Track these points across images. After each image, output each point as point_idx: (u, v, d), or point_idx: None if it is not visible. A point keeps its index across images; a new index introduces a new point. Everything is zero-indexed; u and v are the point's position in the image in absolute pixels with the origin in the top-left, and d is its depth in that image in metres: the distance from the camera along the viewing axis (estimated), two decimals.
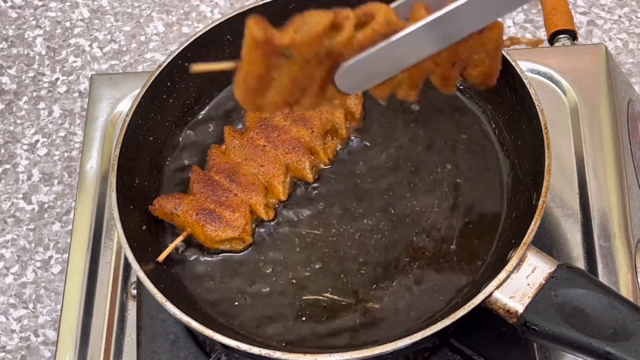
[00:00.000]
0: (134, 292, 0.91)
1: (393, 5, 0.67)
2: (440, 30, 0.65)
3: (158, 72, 0.88)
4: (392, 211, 0.86)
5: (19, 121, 1.47)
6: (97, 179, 0.99)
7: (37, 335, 1.28)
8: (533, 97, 0.81)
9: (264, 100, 0.66)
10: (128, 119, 0.86)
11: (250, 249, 0.85)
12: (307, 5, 0.91)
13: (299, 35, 0.63)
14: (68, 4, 1.59)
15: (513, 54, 0.84)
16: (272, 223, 0.86)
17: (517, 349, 0.81)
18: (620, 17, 1.47)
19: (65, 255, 1.32)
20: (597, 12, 1.48)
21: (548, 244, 0.88)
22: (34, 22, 1.58)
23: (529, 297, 0.72)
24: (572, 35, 1.04)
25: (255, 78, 0.64)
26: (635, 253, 0.87)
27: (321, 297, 0.82)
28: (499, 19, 0.69)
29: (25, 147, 1.44)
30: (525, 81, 0.82)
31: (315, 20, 0.64)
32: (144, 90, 0.87)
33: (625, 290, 0.85)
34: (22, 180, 1.41)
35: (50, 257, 1.34)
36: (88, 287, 0.92)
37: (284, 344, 0.79)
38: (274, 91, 0.66)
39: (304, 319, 0.81)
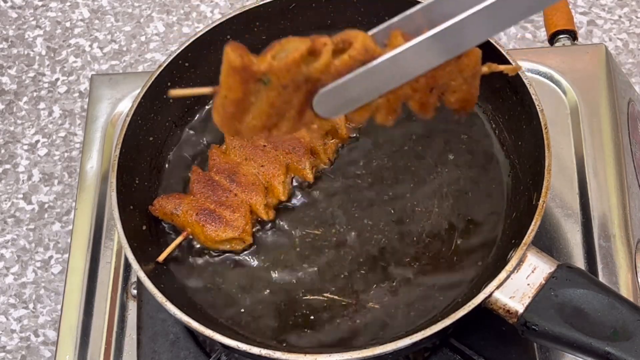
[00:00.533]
0: (134, 292, 0.91)
1: (371, 32, 0.68)
2: (417, 57, 0.66)
3: (158, 72, 0.88)
4: (392, 211, 0.86)
5: (19, 121, 1.46)
6: (97, 179, 0.99)
7: (37, 335, 1.28)
8: (533, 97, 0.81)
9: (242, 124, 0.67)
10: (128, 119, 0.86)
11: (250, 249, 0.85)
12: (307, 5, 0.91)
13: (276, 62, 0.64)
14: (68, 4, 1.59)
15: (513, 54, 0.85)
16: (272, 223, 0.86)
17: (517, 349, 0.81)
18: (620, 17, 1.47)
19: (65, 255, 1.32)
20: (597, 12, 1.48)
21: (548, 244, 0.88)
22: (34, 22, 1.58)
23: (529, 297, 0.72)
24: (572, 35, 1.04)
25: (233, 103, 0.65)
26: (635, 253, 0.87)
27: (321, 297, 0.82)
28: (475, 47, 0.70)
29: (25, 147, 1.44)
30: (525, 81, 0.82)
31: (293, 46, 0.65)
32: (144, 90, 0.87)
33: (625, 290, 0.85)
34: (22, 181, 1.41)
35: (51, 257, 1.34)
36: (88, 287, 0.92)
37: (284, 344, 0.79)
38: (252, 116, 0.67)
39: (304, 319, 0.81)
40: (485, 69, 0.73)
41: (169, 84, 0.90)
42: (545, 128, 0.79)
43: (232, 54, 0.62)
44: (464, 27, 0.65)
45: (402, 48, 0.66)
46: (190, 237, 0.85)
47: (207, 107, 0.94)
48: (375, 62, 0.66)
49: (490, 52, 0.85)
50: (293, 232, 0.86)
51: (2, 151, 1.44)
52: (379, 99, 0.70)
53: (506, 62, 0.84)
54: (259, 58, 0.64)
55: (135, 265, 0.78)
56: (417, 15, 0.67)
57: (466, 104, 0.75)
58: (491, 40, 0.84)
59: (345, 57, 0.66)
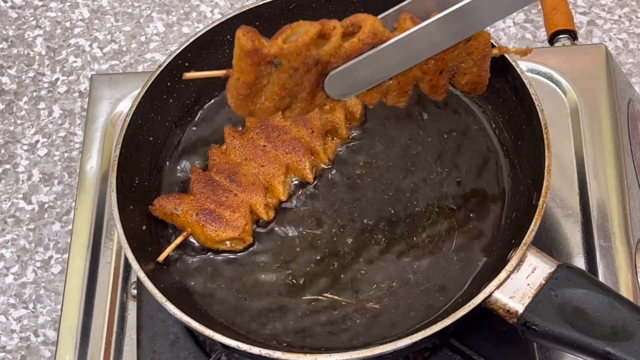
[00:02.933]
0: (134, 292, 0.91)
1: (380, 16, 0.68)
2: (426, 40, 0.67)
3: (158, 72, 0.88)
4: (392, 211, 0.86)
5: (19, 121, 1.47)
6: (97, 179, 0.99)
7: (37, 335, 1.28)
8: (533, 97, 0.81)
9: (255, 106, 0.69)
10: (128, 119, 0.86)
11: (250, 249, 0.85)
12: (307, 5, 0.91)
13: (287, 45, 0.65)
14: (68, 4, 1.59)
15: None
16: (272, 223, 0.86)
17: (517, 349, 0.81)
18: (620, 17, 1.47)
19: (65, 255, 1.32)
20: (597, 12, 1.48)
21: (548, 244, 0.88)
22: (34, 22, 1.58)
23: (529, 297, 0.72)
24: (572, 35, 1.04)
25: (246, 85, 0.66)
26: (635, 253, 0.87)
27: (321, 297, 0.82)
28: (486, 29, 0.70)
29: (25, 147, 1.44)
30: (525, 81, 0.82)
31: (303, 30, 0.66)
32: (144, 90, 0.87)
33: (625, 290, 0.85)
34: (22, 181, 1.41)
35: (50, 257, 1.34)
36: (88, 287, 0.92)
37: (284, 344, 0.79)
38: (265, 97, 0.68)
39: (304, 319, 0.81)
40: (495, 51, 0.73)
41: (169, 84, 0.90)
42: (545, 128, 0.79)
43: (243, 37, 0.63)
44: (472, 10, 0.65)
45: (411, 31, 0.67)
46: (190, 237, 0.85)
47: (207, 107, 0.94)
48: (384, 45, 0.67)
49: None
50: (293, 232, 0.86)
51: (2, 151, 1.44)
52: (389, 81, 0.70)
53: (507, 62, 0.84)
54: (270, 41, 0.65)
55: (135, 265, 0.78)
56: None
57: (477, 86, 0.76)
58: (491, 41, 0.84)
59: (355, 40, 0.67)
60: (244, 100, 0.68)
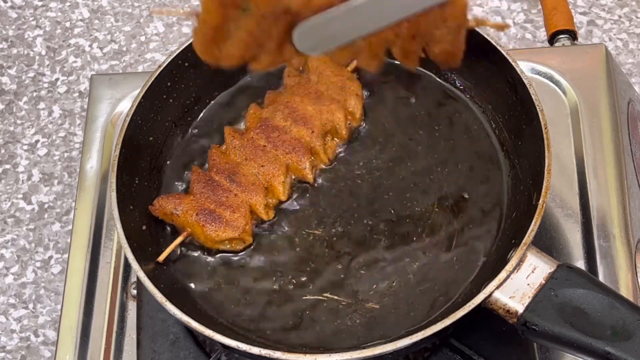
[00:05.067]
0: (134, 292, 0.91)
1: None
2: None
3: (158, 72, 0.88)
4: (392, 211, 0.86)
5: (19, 121, 1.46)
6: (97, 179, 0.99)
7: (37, 335, 1.28)
8: (533, 97, 0.81)
9: (220, 52, 0.68)
10: (128, 119, 0.86)
11: (250, 249, 0.85)
12: None
13: None
14: (68, 4, 1.59)
15: (513, 54, 0.85)
16: (272, 223, 0.86)
17: (517, 349, 0.81)
18: (620, 17, 1.47)
19: (65, 255, 1.32)
20: (597, 12, 1.48)
21: (548, 244, 0.88)
22: (34, 22, 1.57)
23: (529, 297, 0.72)
24: (572, 35, 1.04)
25: (212, 28, 0.66)
26: (635, 253, 0.87)
27: (321, 297, 0.82)
28: None
29: (25, 147, 1.44)
30: (525, 81, 0.82)
31: None
32: (144, 91, 0.87)
33: (625, 290, 0.85)
34: (22, 181, 1.41)
35: (50, 257, 1.34)
36: (88, 287, 0.92)
37: (284, 344, 0.79)
38: (231, 43, 0.67)
39: (304, 319, 0.81)
40: (472, 22, 0.72)
41: (168, 84, 0.90)
42: (545, 128, 0.79)
43: None
44: None
45: None
46: (190, 237, 0.85)
47: (207, 107, 0.94)
48: (356, 0, 0.65)
49: (491, 52, 0.85)
50: (293, 232, 0.86)
51: (2, 151, 1.44)
52: (360, 41, 0.69)
53: (507, 62, 0.84)
54: None
55: (135, 265, 0.78)
56: None
57: (450, 57, 0.74)
58: (491, 41, 0.84)
59: None
60: (209, 44, 0.67)
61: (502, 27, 0.75)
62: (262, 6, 0.65)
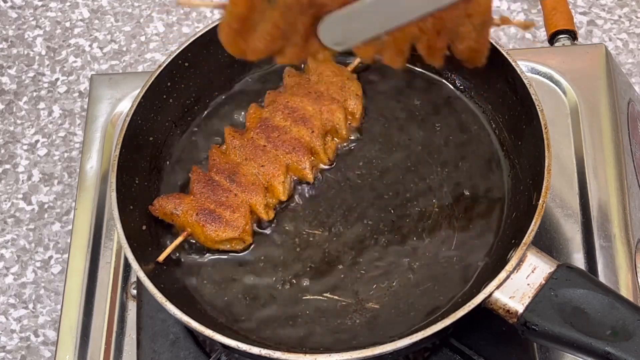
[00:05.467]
0: (134, 292, 0.91)
1: None
2: None
3: (158, 72, 0.88)
4: (392, 211, 0.86)
5: (19, 121, 1.46)
6: (97, 179, 0.99)
7: (37, 335, 1.28)
8: (533, 97, 0.81)
9: (247, 45, 0.68)
10: (128, 119, 0.86)
11: (250, 249, 0.85)
12: None
13: None
14: (68, 4, 1.59)
15: (513, 54, 0.85)
16: (272, 223, 0.86)
17: (517, 349, 0.81)
18: (620, 17, 1.47)
19: (65, 255, 1.32)
20: (597, 12, 1.48)
21: (548, 244, 0.88)
22: (34, 22, 1.57)
23: (529, 297, 0.72)
24: (572, 35, 1.04)
25: (238, 20, 0.65)
26: (635, 253, 0.87)
27: (321, 297, 0.82)
28: None
29: (25, 147, 1.44)
30: (525, 81, 0.82)
31: None
32: (144, 91, 0.87)
33: (625, 290, 0.85)
34: (22, 181, 1.41)
35: (50, 257, 1.34)
36: (88, 287, 0.92)
37: (284, 344, 0.79)
38: (257, 36, 0.67)
39: (304, 319, 0.81)
40: (497, 20, 0.72)
41: (168, 84, 0.90)
42: (545, 128, 0.79)
43: None
44: None
45: None
46: (190, 237, 0.85)
47: (207, 107, 0.94)
48: None
49: (491, 52, 0.85)
50: (293, 232, 0.86)
51: (2, 151, 1.44)
52: (385, 36, 0.69)
53: (507, 62, 0.84)
54: None
55: (135, 265, 0.78)
56: None
57: (475, 55, 0.74)
58: (491, 41, 0.84)
59: None
60: (235, 36, 0.67)
61: (527, 26, 0.75)
62: None
